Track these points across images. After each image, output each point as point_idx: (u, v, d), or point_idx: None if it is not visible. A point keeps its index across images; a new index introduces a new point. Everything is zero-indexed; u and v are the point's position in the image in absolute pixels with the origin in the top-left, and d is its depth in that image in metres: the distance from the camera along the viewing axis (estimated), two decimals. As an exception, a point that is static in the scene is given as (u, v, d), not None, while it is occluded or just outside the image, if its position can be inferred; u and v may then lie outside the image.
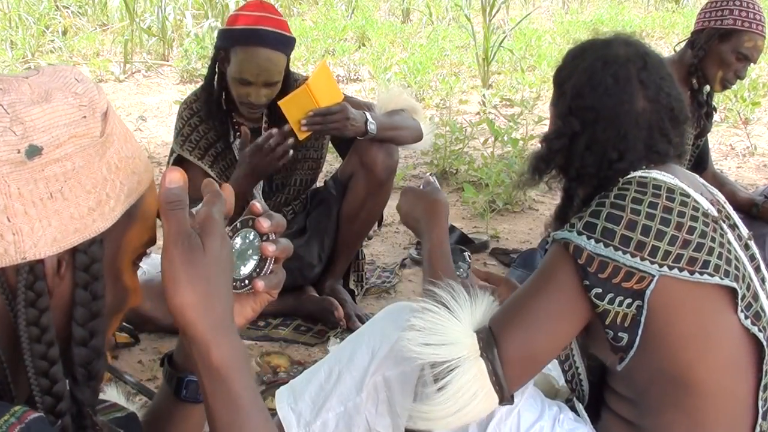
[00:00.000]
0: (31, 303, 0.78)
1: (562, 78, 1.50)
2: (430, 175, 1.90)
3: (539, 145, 1.53)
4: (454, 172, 4.51)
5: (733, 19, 2.63)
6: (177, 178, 0.82)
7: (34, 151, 0.75)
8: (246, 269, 0.92)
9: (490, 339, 1.34)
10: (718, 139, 5.35)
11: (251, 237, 0.92)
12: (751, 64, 2.72)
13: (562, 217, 1.50)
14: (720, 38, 2.65)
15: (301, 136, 2.49)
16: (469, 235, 3.54)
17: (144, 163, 0.86)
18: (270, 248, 0.90)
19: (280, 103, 2.46)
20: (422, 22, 10.40)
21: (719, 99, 5.91)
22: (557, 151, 1.48)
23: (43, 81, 0.80)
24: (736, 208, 2.82)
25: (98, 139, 0.80)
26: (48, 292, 0.79)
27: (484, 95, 6.06)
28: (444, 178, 4.46)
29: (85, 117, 0.79)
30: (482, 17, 7.15)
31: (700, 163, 2.97)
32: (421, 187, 1.81)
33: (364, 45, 8.70)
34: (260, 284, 0.90)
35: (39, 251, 0.77)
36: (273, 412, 2.09)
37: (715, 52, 2.67)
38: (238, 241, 0.92)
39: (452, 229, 3.50)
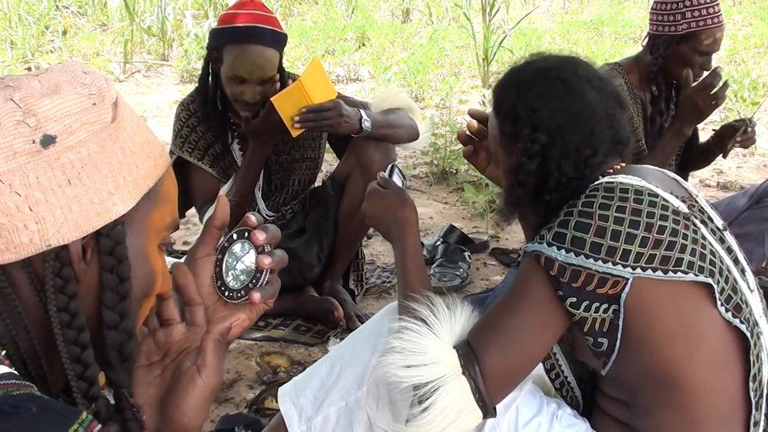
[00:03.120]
0: (59, 289, 0.81)
1: (509, 105, 1.47)
2: (392, 167, 1.79)
3: (510, 179, 1.48)
4: (454, 172, 4.51)
5: (687, 23, 2.59)
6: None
7: (48, 140, 0.78)
8: (242, 281, 0.95)
9: (470, 355, 1.34)
10: (718, 139, 5.35)
11: (247, 248, 0.94)
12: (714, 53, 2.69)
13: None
14: (678, 42, 2.63)
15: (294, 133, 2.48)
16: (469, 235, 3.54)
17: (159, 148, 0.89)
18: (266, 261, 0.93)
19: (272, 99, 2.43)
20: (422, 22, 10.39)
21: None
22: (533, 171, 1.44)
23: (53, 76, 0.83)
24: None
25: (110, 124, 0.83)
26: (75, 278, 0.82)
27: (484, 95, 6.05)
28: (444, 178, 4.46)
29: (95, 104, 0.82)
30: (482, 17, 7.15)
31: (686, 164, 2.95)
32: (377, 184, 1.71)
33: (364, 45, 8.69)
34: (257, 296, 0.93)
35: (62, 237, 0.79)
36: (272, 412, 2.10)
37: (676, 54, 2.65)
38: (237, 247, 0.96)
39: (452, 229, 3.50)
